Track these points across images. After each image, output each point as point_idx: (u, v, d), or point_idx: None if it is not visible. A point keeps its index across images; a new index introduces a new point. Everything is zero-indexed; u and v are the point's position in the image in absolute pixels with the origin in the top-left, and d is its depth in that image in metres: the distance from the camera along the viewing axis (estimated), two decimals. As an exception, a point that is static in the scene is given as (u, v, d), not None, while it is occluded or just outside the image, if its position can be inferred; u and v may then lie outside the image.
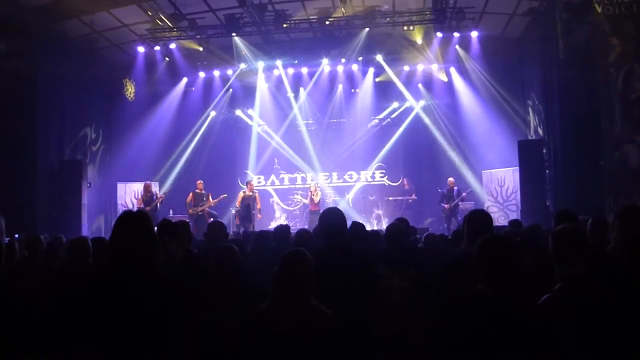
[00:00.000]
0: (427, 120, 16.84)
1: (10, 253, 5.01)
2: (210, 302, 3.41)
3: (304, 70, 16.84)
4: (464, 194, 14.28)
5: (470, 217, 4.09)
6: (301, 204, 17.27)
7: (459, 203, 14.15)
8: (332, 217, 4.00)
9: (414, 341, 4.12)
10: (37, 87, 12.91)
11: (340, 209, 4.26)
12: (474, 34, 14.54)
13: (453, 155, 16.09)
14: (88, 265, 4.63)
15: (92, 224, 14.59)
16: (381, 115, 17.46)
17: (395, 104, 17.20)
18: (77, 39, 14.60)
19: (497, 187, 15.32)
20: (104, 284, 2.72)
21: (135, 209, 14.42)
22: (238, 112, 17.90)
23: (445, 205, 14.18)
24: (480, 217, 4.09)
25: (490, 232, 4.16)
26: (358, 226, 5.78)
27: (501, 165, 15.29)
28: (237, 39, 15.14)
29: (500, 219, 14.27)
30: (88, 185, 13.98)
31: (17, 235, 9.08)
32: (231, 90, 17.31)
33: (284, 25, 14.23)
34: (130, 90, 16.11)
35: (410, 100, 16.96)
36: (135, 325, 2.50)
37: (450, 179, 14.61)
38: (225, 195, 14.77)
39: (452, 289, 3.42)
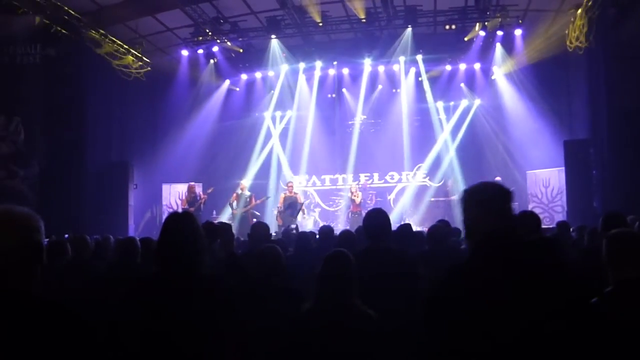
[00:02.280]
0: (470, 119, 16.62)
1: (61, 253, 5.12)
2: (253, 302, 3.43)
3: (345, 71, 16.84)
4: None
5: (517, 218, 4.02)
6: (342, 205, 17.25)
7: None
8: (376, 218, 4.00)
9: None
10: (85, 91, 13.27)
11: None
12: (518, 32, 14.27)
13: (497, 155, 15.83)
14: (136, 265, 4.72)
15: (138, 225, 14.91)
16: (423, 116, 17.30)
17: (437, 104, 17.01)
18: (124, 44, 14.93)
19: (542, 187, 14.99)
20: (152, 284, 2.78)
21: (179, 209, 14.67)
22: (279, 113, 18.00)
23: None
24: (529, 218, 4.03)
25: (539, 233, 4.09)
26: (405, 227, 5.75)
27: (546, 166, 14.97)
28: (277, 41, 15.24)
29: (545, 220, 13.95)
30: (134, 186, 14.28)
31: (66, 235, 9.33)
32: (272, 91, 17.43)
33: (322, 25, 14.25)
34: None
35: (452, 100, 16.77)
36: (182, 324, 2.55)
37: (497, 179, 14.34)
38: (269, 197, 14.89)
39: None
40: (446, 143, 16.99)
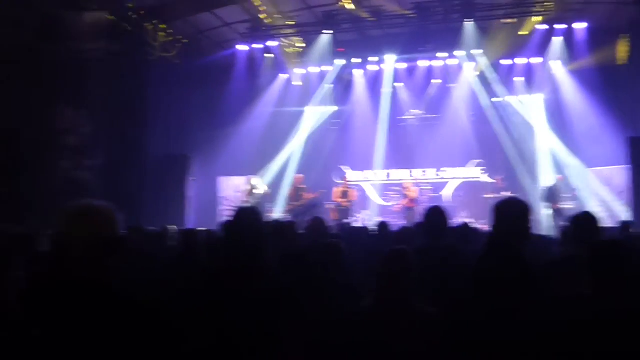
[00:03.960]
0: (527, 114, 16.26)
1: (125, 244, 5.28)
2: (313, 297, 3.49)
3: (400, 66, 16.71)
4: (575, 190, 13.62)
5: (576, 218, 3.97)
6: (396, 200, 17.17)
7: (564, 203, 13.50)
8: (435, 215, 4.01)
9: (511, 343, 4.03)
10: (146, 85, 13.66)
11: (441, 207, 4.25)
12: (580, 26, 13.85)
13: (556, 151, 15.43)
14: (198, 257, 4.86)
15: (196, 217, 15.24)
16: (480, 110, 17.00)
17: (494, 99, 16.67)
18: (183, 39, 15.28)
19: (604, 186, 14.52)
20: (216, 275, 2.88)
21: (238, 203, 14.95)
22: (334, 108, 18.04)
23: (554, 204, 13.58)
24: (586, 219, 3.95)
25: (598, 234, 4.01)
26: (465, 225, 5.73)
27: (609, 163, 14.50)
28: (331, 36, 15.25)
29: (607, 220, 13.54)
30: (192, 178, 14.60)
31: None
32: (328, 86, 17.49)
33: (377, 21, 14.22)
34: None
35: (510, 95, 16.43)
36: (246, 315, 2.62)
37: (559, 176, 13.98)
38: (324, 190, 14.95)
39: (555, 293, 3.32)
40: (503, 138, 16.65)
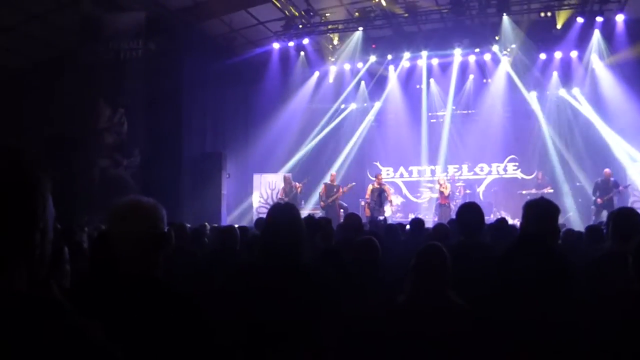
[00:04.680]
0: (564, 110, 15.99)
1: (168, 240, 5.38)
2: (350, 293, 3.52)
3: (435, 61, 16.58)
4: (621, 187, 13.30)
5: (617, 215, 3.89)
6: (429, 196, 17.08)
7: (614, 197, 13.17)
8: (469, 212, 3.98)
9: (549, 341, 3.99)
10: (182, 83, 13.86)
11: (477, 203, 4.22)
12: (619, 18, 13.52)
13: (596, 148, 15.10)
14: (235, 253, 4.94)
15: (231, 214, 15.41)
16: (515, 106, 16.77)
17: (531, 94, 16.41)
18: (217, 38, 15.46)
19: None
20: (253, 271, 2.93)
21: (270, 199, 15.08)
22: (366, 105, 18.04)
23: (598, 199, 13.34)
24: (629, 215, 3.87)
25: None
26: (501, 222, 5.67)
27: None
28: (364, 33, 15.21)
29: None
30: (227, 175, 14.77)
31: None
32: (362, 82, 17.47)
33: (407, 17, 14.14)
34: None
35: (547, 90, 16.16)
36: (283, 311, 2.66)
37: (607, 170, 13.64)
38: (354, 183, 14.95)
39: (601, 289, 3.29)
40: (538, 134, 16.41)
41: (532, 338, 3.05)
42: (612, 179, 13.33)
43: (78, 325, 1.02)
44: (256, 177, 16.70)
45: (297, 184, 14.84)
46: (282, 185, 14.93)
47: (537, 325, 3.03)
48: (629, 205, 12.06)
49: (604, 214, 12.57)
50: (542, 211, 3.25)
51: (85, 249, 5.08)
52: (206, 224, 7.87)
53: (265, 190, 16.31)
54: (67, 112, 13.32)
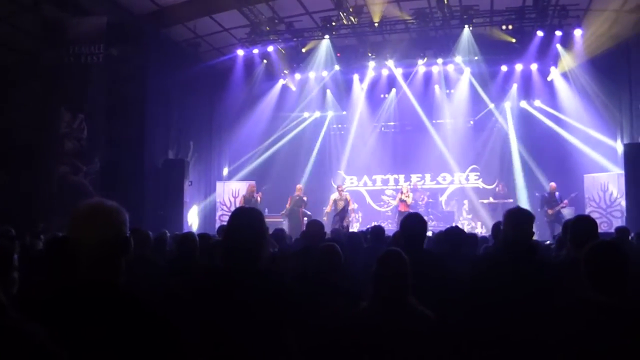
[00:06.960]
0: (523, 121, 16.34)
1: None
2: (311, 300, 3.49)
3: (398, 71, 16.73)
4: (571, 195, 13.70)
5: (574, 223, 3.98)
6: (392, 205, 17.19)
7: (561, 209, 13.58)
8: (411, 222, 4.05)
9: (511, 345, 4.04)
10: (145, 89, 13.65)
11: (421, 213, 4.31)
12: (578, 32, 13.88)
13: (554, 157, 15.46)
14: (195, 260, 4.86)
15: (193, 221, 15.22)
16: (477, 117, 17.07)
17: (491, 105, 16.72)
18: (182, 44, 15.32)
19: (599, 192, 14.55)
20: (214, 277, 2.88)
21: (232, 207, 14.96)
22: (331, 113, 18.10)
23: (549, 210, 13.65)
24: (585, 223, 3.96)
25: (596, 238, 4.01)
26: (455, 230, 5.71)
27: (604, 170, 14.56)
28: (330, 41, 15.27)
29: (603, 225, 13.55)
30: (189, 183, 14.60)
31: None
32: (327, 90, 17.52)
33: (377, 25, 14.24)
34: None
35: (507, 101, 16.49)
36: (243, 317, 2.61)
37: (552, 184, 14.04)
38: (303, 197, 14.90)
39: (557, 297, 3.34)
40: (500, 145, 16.72)
41: (498, 344, 3.08)
42: (557, 192, 13.72)
43: (16, 326, 0.98)
44: (219, 185, 16.57)
45: (256, 192, 14.64)
46: (244, 192, 14.81)
47: (506, 331, 3.08)
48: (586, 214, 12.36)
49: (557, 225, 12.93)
50: (520, 218, 3.55)
51: (39, 256, 4.93)
52: (166, 231, 7.73)
53: (228, 198, 16.20)
54: (26, 117, 13.02)
